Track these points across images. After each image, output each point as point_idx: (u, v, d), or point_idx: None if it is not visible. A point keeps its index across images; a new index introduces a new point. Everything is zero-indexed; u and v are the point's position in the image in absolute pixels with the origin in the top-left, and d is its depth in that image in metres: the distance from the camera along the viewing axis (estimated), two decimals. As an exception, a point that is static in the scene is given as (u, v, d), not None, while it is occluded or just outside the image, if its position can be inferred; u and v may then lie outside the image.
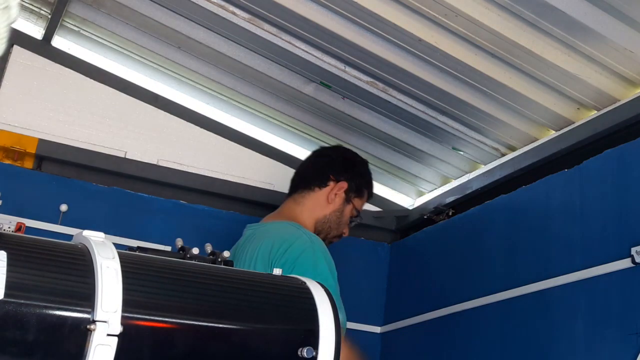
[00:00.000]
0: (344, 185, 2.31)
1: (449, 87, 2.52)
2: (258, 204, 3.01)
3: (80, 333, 0.94)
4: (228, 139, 3.05)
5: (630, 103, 2.30)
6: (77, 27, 2.80)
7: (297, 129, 3.06)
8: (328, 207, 2.30)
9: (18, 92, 2.77)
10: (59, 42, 2.86)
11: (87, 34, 2.82)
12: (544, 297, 2.34)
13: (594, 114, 2.46)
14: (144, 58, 2.87)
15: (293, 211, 2.27)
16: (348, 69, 2.60)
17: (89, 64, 2.90)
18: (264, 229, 2.22)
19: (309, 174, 2.35)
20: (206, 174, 2.98)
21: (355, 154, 2.55)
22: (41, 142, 2.72)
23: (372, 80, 2.63)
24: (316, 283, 1.18)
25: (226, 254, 1.19)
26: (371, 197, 2.47)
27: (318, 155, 2.45)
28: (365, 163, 2.48)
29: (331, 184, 2.30)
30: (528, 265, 2.46)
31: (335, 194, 2.30)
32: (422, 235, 3.11)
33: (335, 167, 2.35)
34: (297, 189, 2.34)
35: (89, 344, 0.94)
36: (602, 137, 2.35)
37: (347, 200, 2.32)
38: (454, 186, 3.03)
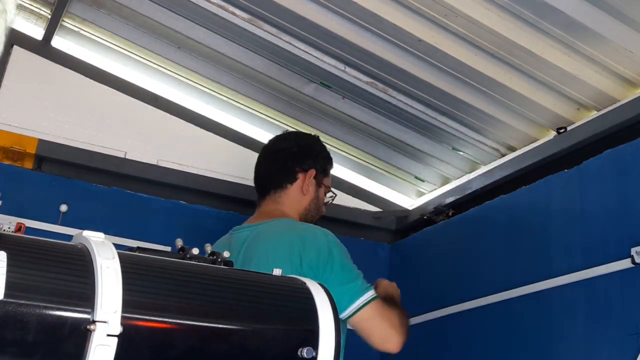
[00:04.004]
0: (312, 172, 2.29)
1: (449, 87, 2.52)
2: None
3: (80, 333, 0.94)
4: (228, 139, 3.05)
5: (630, 103, 2.30)
6: (77, 27, 2.80)
7: (297, 129, 3.05)
8: (305, 198, 2.30)
9: (18, 92, 2.77)
10: (59, 42, 2.86)
11: (87, 34, 2.82)
12: (544, 297, 2.34)
13: (594, 114, 2.46)
14: (144, 58, 2.87)
15: (278, 210, 2.26)
16: (348, 69, 2.60)
17: (89, 64, 2.90)
18: (262, 228, 2.20)
19: (276, 174, 2.30)
20: (206, 174, 2.98)
21: (306, 134, 2.49)
22: (41, 142, 2.72)
23: (372, 80, 2.63)
24: (316, 283, 1.17)
25: (226, 254, 1.19)
26: (332, 166, 2.43)
27: (275, 152, 2.36)
28: (317, 139, 2.43)
29: (300, 176, 2.29)
30: (528, 266, 2.46)
31: (308, 184, 2.30)
32: (422, 235, 3.11)
33: (298, 158, 2.31)
34: (269, 190, 2.31)
35: (89, 344, 0.93)
36: (602, 138, 2.35)
37: (318, 184, 2.32)
38: (454, 186, 3.03)
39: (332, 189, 2.41)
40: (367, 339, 2.05)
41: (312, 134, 2.49)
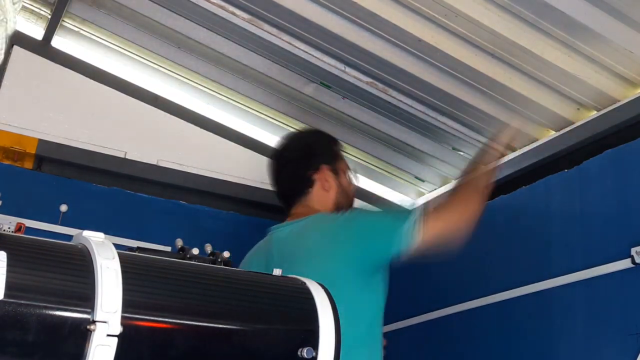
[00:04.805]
0: (324, 168, 2.27)
1: (449, 87, 2.52)
2: (258, 204, 3.02)
3: (80, 333, 0.94)
4: (228, 139, 3.05)
5: (630, 103, 2.30)
6: (77, 27, 2.80)
7: (297, 129, 3.05)
8: (330, 194, 2.28)
9: (18, 92, 2.77)
10: (59, 42, 2.86)
11: (87, 34, 2.82)
12: (544, 297, 2.34)
13: (594, 114, 2.46)
14: (144, 58, 2.87)
15: (311, 209, 2.26)
16: (348, 69, 2.60)
17: (88, 64, 2.90)
18: (302, 225, 2.16)
19: (294, 185, 2.29)
20: (206, 174, 2.98)
21: (305, 132, 2.49)
22: (41, 142, 2.73)
23: (372, 80, 2.63)
24: (316, 283, 1.18)
25: (226, 254, 1.19)
26: (341, 147, 2.41)
27: (284, 164, 2.34)
28: (317, 132, 2.44)
29: (316, 176, 2.29)
30: (528, 266, 2.46)
31: (326, 180, 2.29)
32: (422, 235, 3.11)
33: (306, 163, 2.29)
34: (295, 199, 2.31)
35: (89, 344, 0.94)
36: (602, 137, 2.35)
37: (335, 173, 2.31)
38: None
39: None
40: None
41: (310, 127, 2.47)
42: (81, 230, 1.06)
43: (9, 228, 2.51)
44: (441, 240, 2.03)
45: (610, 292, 2.11)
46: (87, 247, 1.02)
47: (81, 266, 0.98)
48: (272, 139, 3.12)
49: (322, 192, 2.28)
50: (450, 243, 2.05)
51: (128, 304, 0.97)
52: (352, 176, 2.36)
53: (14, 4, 0.90)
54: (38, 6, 2.77)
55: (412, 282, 3.08)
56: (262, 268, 1.97)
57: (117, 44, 2.84)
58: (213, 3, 2.45)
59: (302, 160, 2.30)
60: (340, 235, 2.05)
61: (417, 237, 1.96)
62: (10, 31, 0.92)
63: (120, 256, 1.01)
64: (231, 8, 2.46)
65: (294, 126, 3.04)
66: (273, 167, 2.36)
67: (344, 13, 2.31)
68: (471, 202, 2.09)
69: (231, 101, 2.99)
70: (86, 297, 0.95)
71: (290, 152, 2.36)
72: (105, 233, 1.06)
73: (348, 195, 2.31)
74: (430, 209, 2.03)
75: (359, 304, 1.96)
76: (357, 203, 3.16)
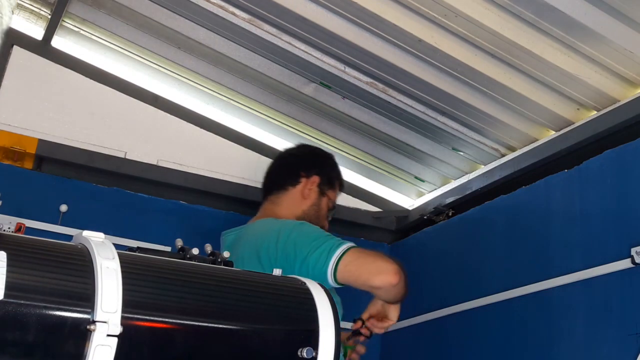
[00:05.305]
0: (315, 179, 2.38)
1: (449, 87, 2.52)
2: (257, 204, 3.00)
3: (80, 333, 0.94)
4: (228, 139, 3.05)
5: (630, 103, 2.30)
6: (77, 27, 2.79)
7: (297, 129, 3.05)
8: (305, 203, 2.36)
9: (18, 92, 2.77)
10: (59, 42, 2.85)
11: (87, 34, 2.82)
12: (544, 297, 2.35)
13: (594, 114, 2.46)
14: (144, 58, 2.87)
15: (272, 211, 2.33)
16: (348, 69, 2.60)
17: (88, 64, 2.89)
18: (246, 230, 2.25)
19: (280, 175, 2.42)
20: (206, 174, 2.97)
21: (320, 148, 2.64)
22: (41, 142, 2.72)
23: (372, 80, 2.63)
24: (316, 283, 1.18)
25: (226, 254, 1.19)
26: (342, 187, 2.52)
27: (285, 156, 2.51)
28: (331, 156, 2.55)
29: (303, 180, 2.38)
30: (528, 266, 2.46)
31: (309, 189, 2.37)
32: (422, 235, 3.11)
33: (304, 163, 2.42)
34: (271, 191, 2.40)
35: (89, 344, 0.94)
36: (602, 138, 2.35)
37: (322, 193, 2.39)
38: (453, 187, 3.03)
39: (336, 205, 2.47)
40: (361, 282, 1.94)
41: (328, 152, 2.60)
42: (81, 230, 1.06)
43: (9, 228, 2.50)
44: (355, 283, 1.96)
45: (610, 292, 2.11)
46: (87, 247, 1.02)
47: (81, 266, 0.99)
48: (272, 139, 3.13)
49: (299, 196, 2.35)
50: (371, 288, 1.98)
51: (128, 304, 0.97)
52: (331, 213, 2.43)
53: None
54: (38, 6, 2.76)
55: (412, 282, 3.08)
56: None
57: (117, 44, 2.84)
58: (213, 3, 2.45)
59: (303, 160, 2.43)
60: (271, 242, 2.05)
61: (340, 265, 1.92)
62: (5, 26, 0.92)
63: (120, 256, 1.02)
64: (231, 8, 2.46)
65: (294, 126, 3.04)
66: (276, 156, 2.52)
67: (344, 13, 2.31)
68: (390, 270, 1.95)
69: (231, 101, 2.99)
70: (86, 297, 0.96)
71: (298, 150, 2.54)
72: (105, 233, 1.06)
73: (319, 219, 2.35)
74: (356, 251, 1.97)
75: None
76: (353, 202, 3.20)
